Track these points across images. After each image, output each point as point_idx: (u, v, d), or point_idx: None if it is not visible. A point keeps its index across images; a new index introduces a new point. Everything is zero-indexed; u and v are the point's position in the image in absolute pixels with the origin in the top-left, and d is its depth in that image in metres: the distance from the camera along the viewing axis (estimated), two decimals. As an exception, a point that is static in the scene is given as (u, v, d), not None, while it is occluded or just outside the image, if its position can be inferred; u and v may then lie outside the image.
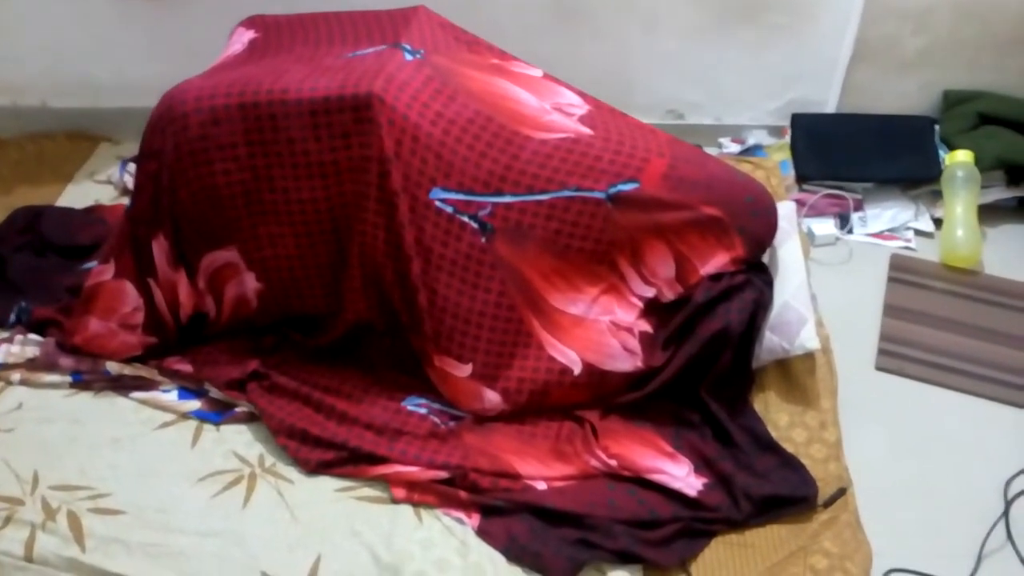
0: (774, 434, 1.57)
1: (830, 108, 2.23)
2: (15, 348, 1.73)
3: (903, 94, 2.20)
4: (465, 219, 1.55)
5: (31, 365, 1.71)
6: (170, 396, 1.67)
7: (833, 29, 2.11)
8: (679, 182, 1.57)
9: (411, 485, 1.50)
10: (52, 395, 1.67)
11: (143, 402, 1.66)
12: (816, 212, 2.07)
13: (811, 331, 1.58)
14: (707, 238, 1.57)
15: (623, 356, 1.59)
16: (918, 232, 2.05)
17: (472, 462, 1.51)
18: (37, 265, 1.94)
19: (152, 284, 1.67)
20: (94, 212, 2.11)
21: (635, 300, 1.62)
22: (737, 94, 2.25)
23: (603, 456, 1.53)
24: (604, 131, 1.60)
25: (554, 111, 1.62)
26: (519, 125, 1.58)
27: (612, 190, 1.56)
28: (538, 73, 1.71)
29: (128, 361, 1.70)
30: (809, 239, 2.01)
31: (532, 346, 1.59)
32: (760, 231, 1.59)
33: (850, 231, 2.05)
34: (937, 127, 2.16)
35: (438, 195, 1.54)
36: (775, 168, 2.12)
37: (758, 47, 2.16)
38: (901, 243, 2.02)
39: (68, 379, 1.69)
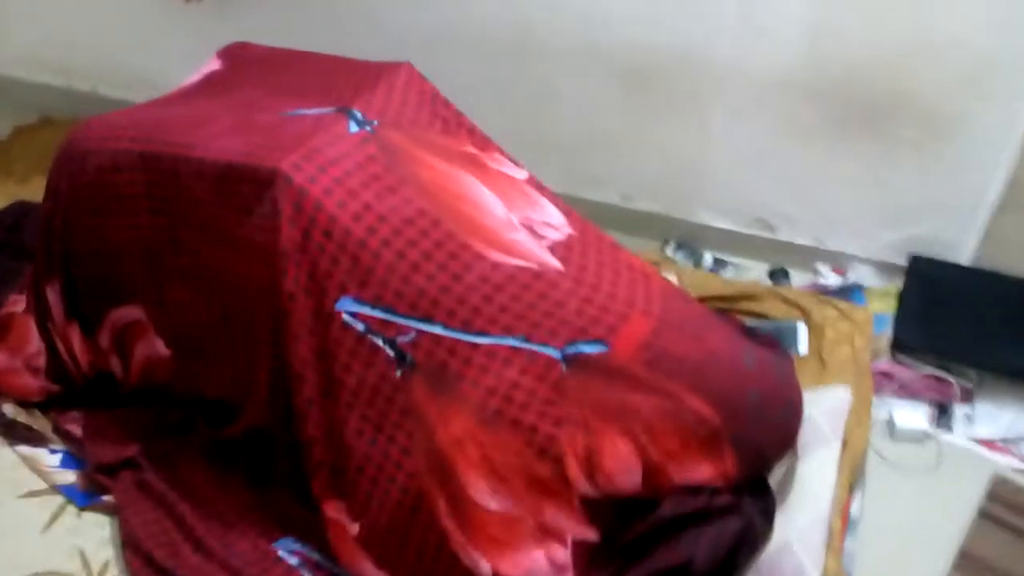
0: None
1: (963, 258, 1.78)
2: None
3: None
4: (379, 342, 1.21)
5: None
6: (53, 459, 1.51)
7: (980, 157, 1.66)
8: (662, 355, 1.18)
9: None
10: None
11: (24, 459, 1.50)
12: (907, 393, 1.61)
13: (807, 594, 1.13)
14: (689, 442, 1.17)
15: (547, 574, 1.19)
16: (1041, 452, 1.54)
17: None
18: (5, 268, 1.79)
19: (51, 329, 1.49)
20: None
21: (575, 500, 1.20)
22: (845, 215, 1.83)
23: None
24: (578, 269, 1.22)
25: (522, 228, 1.25)
26: (471, 236, 1.22)
27: (570, 349, 1.17)
28: (521, 175, 1.35)
29: (28, 406, 1.54)
30: (888, 430, 1.54)
31: (433, 531, 1.21)
32: (763, 442, 1.19)
33: (948, 428, 1.56)
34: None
35: (346, 307, 1.21)
36: (867, 323, 1.63)
37: (880, 162, 1.73)
38: (1014, 461, 1.53)
39: (-30, 414, 1.56)
